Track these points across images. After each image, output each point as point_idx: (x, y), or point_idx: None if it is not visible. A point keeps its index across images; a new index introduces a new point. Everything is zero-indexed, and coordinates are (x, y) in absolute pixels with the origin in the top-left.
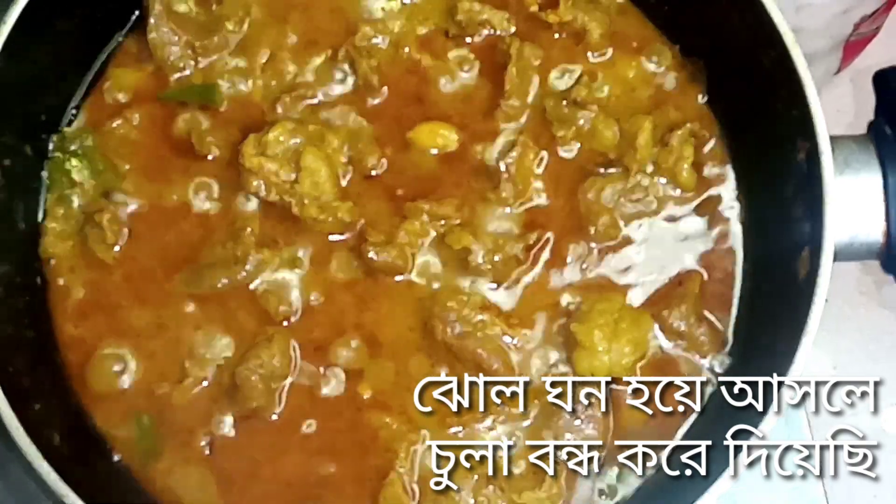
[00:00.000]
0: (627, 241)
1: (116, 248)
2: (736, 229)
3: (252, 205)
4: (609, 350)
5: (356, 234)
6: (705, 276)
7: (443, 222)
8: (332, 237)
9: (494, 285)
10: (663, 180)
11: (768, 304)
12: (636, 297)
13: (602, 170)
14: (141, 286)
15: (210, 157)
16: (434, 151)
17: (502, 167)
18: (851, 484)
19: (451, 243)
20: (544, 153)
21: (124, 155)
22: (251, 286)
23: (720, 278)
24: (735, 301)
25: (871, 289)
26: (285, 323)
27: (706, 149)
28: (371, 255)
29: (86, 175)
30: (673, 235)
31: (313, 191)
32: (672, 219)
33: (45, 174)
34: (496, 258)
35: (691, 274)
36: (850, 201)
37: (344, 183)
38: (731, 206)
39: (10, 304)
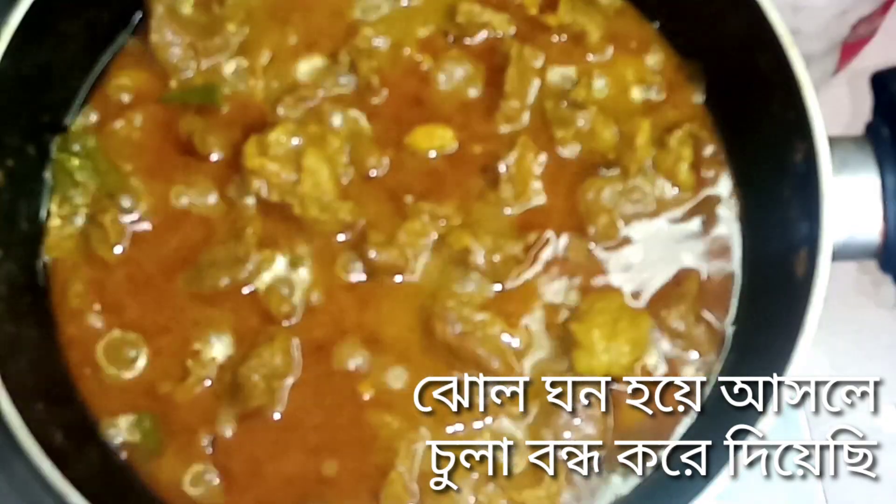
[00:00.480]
0: (626, 241)
1: (118, 249)
2: (734, 229)
3: (253, 205)
4: (608, 349)
5: (357, 235)
6: (704, 275)
7: (443, 222)
8: (333, 237)
9: (494, 285)
10: (662, 181)
11: (766, 304)
12: (635, 297)
13: (601, 170)
14: (143, 286)
15: (212, 158)
16: (433, 154)
17: (502, 168)
18: (851, 484)
19: (451, 243)
20: (544, 154)
21: (127, 156)
22: (253, 286)
23: (718, 278)
24: (733, 301)
25: (868, 289)
26: (286, 322)
27: (704, 149)
28: (372, 255)
29: (88, 175)
30: (671, 235)
31: (314, 191)
32: (671, 219)
33: (47, 175)
34: (496, 258)
35: (690, 274)
36: (847, 202)
37: (345, 183)
38: (729, 207)
39: (12, 304)
